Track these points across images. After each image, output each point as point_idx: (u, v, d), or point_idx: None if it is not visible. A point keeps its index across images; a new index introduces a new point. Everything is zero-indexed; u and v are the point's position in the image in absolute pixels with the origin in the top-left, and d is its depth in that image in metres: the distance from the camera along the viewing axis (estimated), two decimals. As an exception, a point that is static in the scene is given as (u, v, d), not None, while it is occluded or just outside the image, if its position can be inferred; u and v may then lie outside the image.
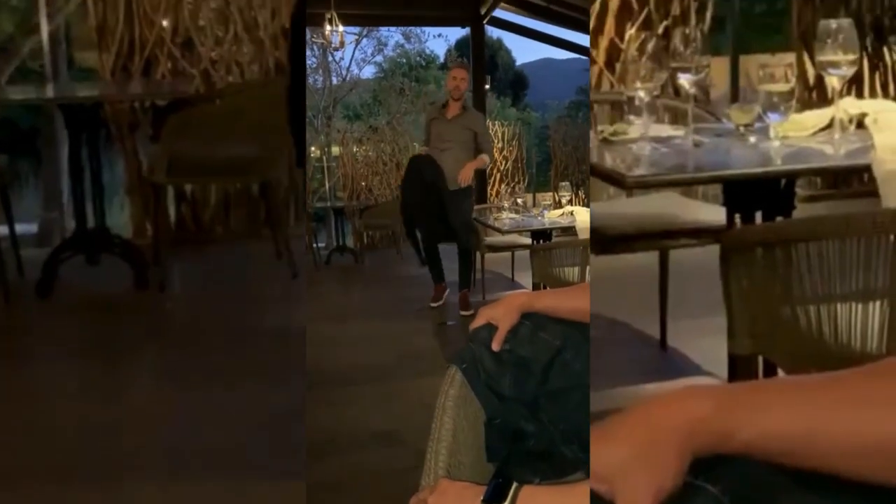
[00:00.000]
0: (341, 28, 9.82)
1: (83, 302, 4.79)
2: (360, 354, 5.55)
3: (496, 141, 12.71)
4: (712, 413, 0.85)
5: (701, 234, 3.11)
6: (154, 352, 4.04)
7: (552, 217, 6.45)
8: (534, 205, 7.65)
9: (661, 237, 3.19)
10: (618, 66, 6.44)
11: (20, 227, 5.34)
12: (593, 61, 6.45)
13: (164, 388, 3.57)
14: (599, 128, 3.04)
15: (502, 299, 1.86)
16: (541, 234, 6.38)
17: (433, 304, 6.77)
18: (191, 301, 4.77)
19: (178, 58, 6.28)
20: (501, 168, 12.96)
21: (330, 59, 24.37)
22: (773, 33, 8.29)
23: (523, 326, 1.80)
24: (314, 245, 10.86)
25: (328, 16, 9.48)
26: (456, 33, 27.61)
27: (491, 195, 12.33)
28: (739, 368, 2.31)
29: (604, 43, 6.42)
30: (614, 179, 2.39)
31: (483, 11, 11.44)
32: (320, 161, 14.05)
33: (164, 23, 6.21)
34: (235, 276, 5.43)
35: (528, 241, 6.79)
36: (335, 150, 13.76)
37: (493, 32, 18.58)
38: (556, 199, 11.02)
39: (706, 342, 3.50)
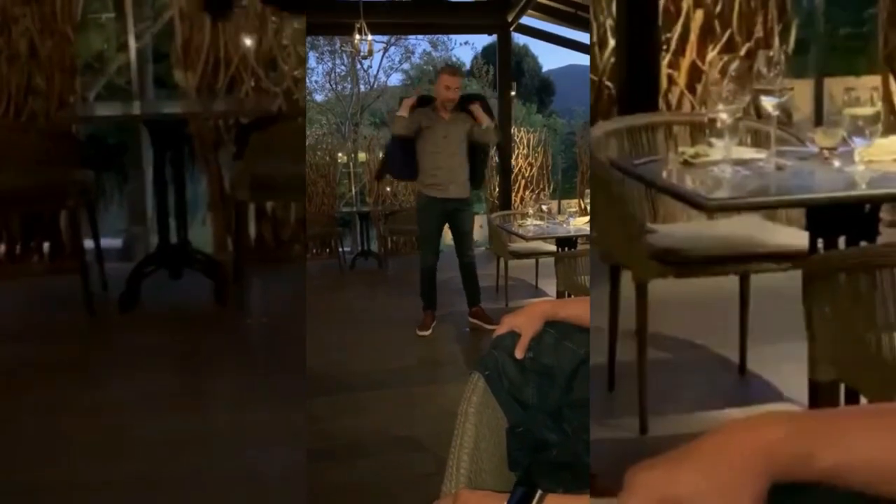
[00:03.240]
0: (370, 37, 9.93)
1: (164, 316, 4.88)
2: (381, 359, 5.59)
3: (521, 147, 12.73)
4: (789, 439, 0.84)
5: (783, 258, 3.06)
6: (232, 367, 4.09)
7: (578, 224, 6.35)
8: (559, 211, 7.59)
9: (742, 261, 3.15)
10: (699, 87, 6.39)
11: (105, 242, 5.46)
12: (674, 82, 6.41)
13: (242, 403, 3.61)
14: (680, 150, 3.01)
15: (526, 307, 1.87)
16: (566, 242, 6.31)
17: (421, 333, 6.27)
18: (268, 317, 4.82)
19: (261, 76, 6.36)
20: (526, 174, 12.94)
21: (358, 67, 24.60)
22: (857, 56, 8.16)
23: (547, 335, 1.79)
24: (340, 249, 11.10)
25: (357, 25, 9.61)
26: (482, 40, 27.86)
27: (515, 201, 12.34)
28: (821, 395, 2.27)
29: (685, 65, 6.37)
30: (695, 202, 2.37)
31: (510, 19, 11.42)
32: (347, 167, 14.22)
33: (248, 42, 6.30)
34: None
35: (553, 248, 6.71)
36: (361, 156, 13.92)
37: (519, 39, 18.62)
38: (582, 205, 10.97)
39: (787, 368, 3.45)
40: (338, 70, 25.67)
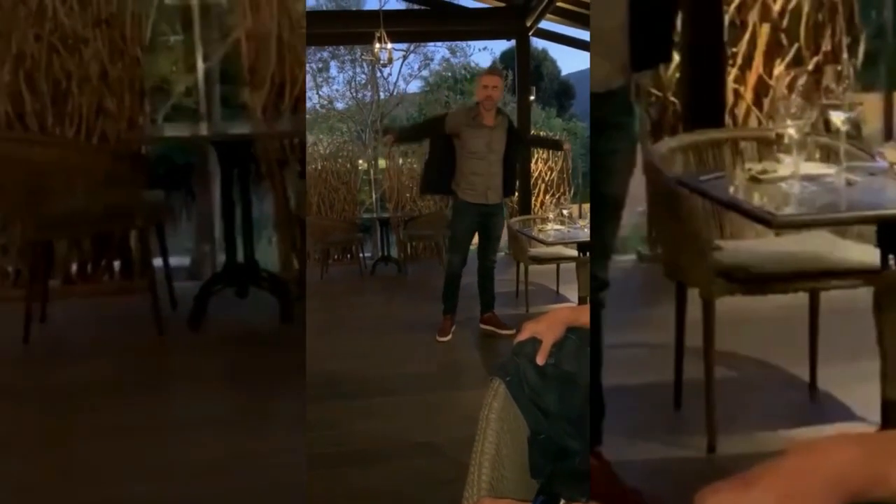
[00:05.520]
0: (390, 45, 10.01)
1: (231, 334, 4.91)
2: (401, 364, 5.61)
3: (541, 152, 12.79)
4: (863, 459, 0.83)
5: (853, 275, 3.02)
6: (296, 385, 4.11)
7: None
8: (580, 216, 7.52)
9: (812, 278, 3.10)
10: (765, 102, 6.33)
11: (173, 260, 5.53)
12: (740, 97, 6.35)
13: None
14: (747, 166, 2.98)
15: (547, 313, 1.85)
16: (587, 247, 6.05)
17: (441, 339, 6.24)
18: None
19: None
20: (546, 179, 12.97)
21: (378, 75, 24.78)
22: (929, 69, 8.03)
23: (569, 341, 1.78)
24: (360, 255, 11.39)
25: (377, 34, 9.68)
26: (501, 45, 27.83)
27: (535, 206, 12.33)
28: (893, 414, 2.23)
29: (752, 79, 6.31)
30: (763, 219, 2.35)
31: (529, 23, 11.46)
32: (367, 174, 14.35)
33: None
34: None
35: (574, 252, 6.65)
36: (382, 163, 14.03)
37: (537, 43, 18.56)
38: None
39: (858, 387, 3.39)
40: (358, 78, 25.93)
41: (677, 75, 6.67)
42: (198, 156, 8.20)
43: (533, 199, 12.47)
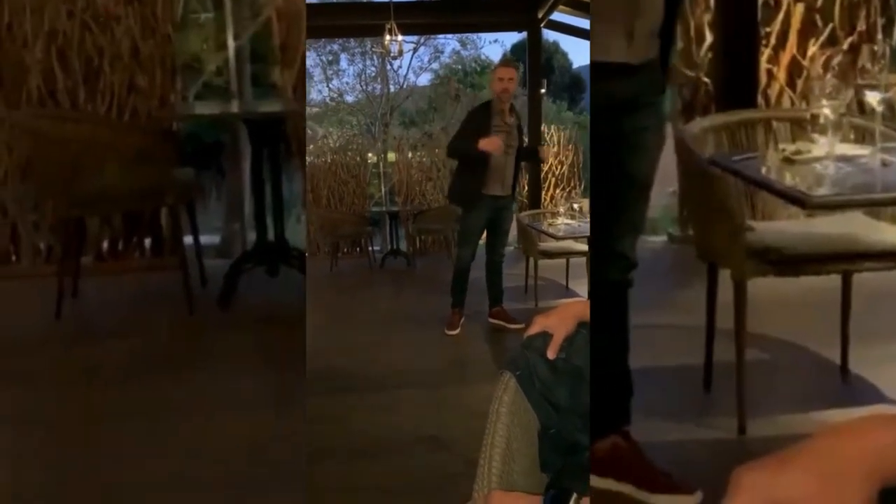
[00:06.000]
0: (400, 37, 9.97)
1: (262, 312, 4.91)
2: (409, 358, 5.58)
3: (553, 145, 12.75)
4: (899, 441, 0.82)
5: (887, 257, 2.99)
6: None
7: None
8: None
9: (845, 259, 3.07)
10: (799, 83, 6.27)
11: (203, 238, 5.53)
12: (773, 78, 6.30)
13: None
14: (780, 146, 2.96)
15: (558, 307, 1.85)
16: None
17: (449, 332, 6.17)
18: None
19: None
20: (557, 173, 12.94)
21: (388, 67, 24.70)
22: (966, 49, 7.92)
23: (580, 336, 1.78)
24: (370, 248, 11.46)
25: (388, 26, 9.62)
26: (512, 38, 27.55)
27: (545, 200, 12.24)
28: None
29: (785, 60, 6.26)
30: (797, 199, 2.33)
31: (540, 15, 11.30)
32: (377, 167, 14.34)
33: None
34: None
35: (584, 247, 6.63)
36: (391, 156, 14.02)
37: (549, 35, 18.36)
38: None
39: (890, 369, 3.37)
40: (368, 71, 25.84)
41: (710, 55, 6.63)
42: (228, 134, 8.22)
43: (543, 193, 12.38)
